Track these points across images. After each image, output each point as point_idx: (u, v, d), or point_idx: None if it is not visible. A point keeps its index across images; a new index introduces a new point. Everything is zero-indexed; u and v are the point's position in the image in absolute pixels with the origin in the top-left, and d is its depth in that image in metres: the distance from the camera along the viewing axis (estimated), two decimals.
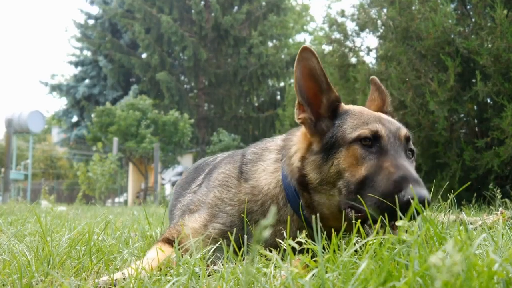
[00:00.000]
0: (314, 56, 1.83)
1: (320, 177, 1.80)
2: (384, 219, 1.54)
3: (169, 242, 1.94)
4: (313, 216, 1.58)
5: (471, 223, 2.67)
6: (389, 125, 1.84)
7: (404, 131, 1.86)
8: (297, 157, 1.90)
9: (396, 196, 1.55)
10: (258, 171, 2.02)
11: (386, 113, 2.12)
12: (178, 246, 1.83)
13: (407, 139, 1.85)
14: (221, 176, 2.09)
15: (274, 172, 1.98)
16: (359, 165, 1.73)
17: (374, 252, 1.30)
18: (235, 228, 1.90)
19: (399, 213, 1.47)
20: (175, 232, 1.98)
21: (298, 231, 1.72)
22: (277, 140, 2.14)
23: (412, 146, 1.89)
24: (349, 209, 1.72)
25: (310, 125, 1.90)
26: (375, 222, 1.54)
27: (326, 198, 1.80)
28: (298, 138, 1.98)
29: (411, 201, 1.47)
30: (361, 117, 1.85)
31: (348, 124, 1.83)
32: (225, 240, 1.83)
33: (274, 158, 2.04)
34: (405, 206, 1.53)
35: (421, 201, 1.51)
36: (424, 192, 1.56)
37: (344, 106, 1.93)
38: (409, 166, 1.69)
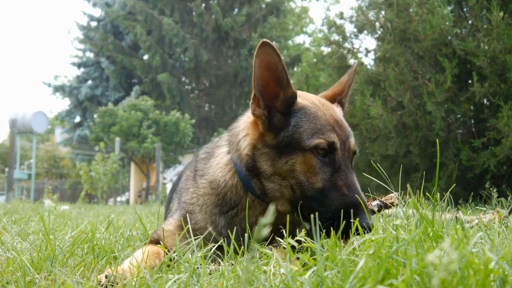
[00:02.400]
0: (274, 51, 1.83)
1: (273, 170, 1.87)
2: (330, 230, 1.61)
3: (155, 243, 2.00)
4: (311, 216, 1.57)
5: (467, 222, 2.68)
6: (342, 132, 1.89)
7: (351, 142, 1.92)
8: (246, 143, 1.94)
9: (346, 219, 1.69)
10: (212, 166, 2.08)
11: (340, 103, 2.13)
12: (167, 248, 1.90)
13: (354, 152, 1.94)
14: (183, 183, 2.20)
15: (228, 164, 2.03)
16: (314, 174, 1.82)
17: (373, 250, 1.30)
18: (209, 225, 1.97)
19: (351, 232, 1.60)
20: (156, 236, 2.06)
21: (260, 216, 1.87)
22: (224, 135, 2.18)
23: (356, 153, 1.96)
24: (307, 212, 1.80)
25: (264, 121, 1.91)
26: (327, 232, 1.67)
27: (278, 187, 1.88)
28: (246, 124, 2.00)
29: (359, 226, 1.60)
30: (316, 120, 1.87)
31: (305, 127, 1.85)
32: (225, 239, 1.83)
33: (225, 151, 2.08)
34: (355, 229, 1.63)
35: (366, 227, 1.66)
36: (367, 221, 1.69)
37: (299, 101, 1.92)
38: (357, 185, 1.83)
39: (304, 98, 1.96)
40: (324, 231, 1.64)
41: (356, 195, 1.76)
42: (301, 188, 1.83)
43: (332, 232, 1.49)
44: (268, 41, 1.82)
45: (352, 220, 1.65)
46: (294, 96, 1.90)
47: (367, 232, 1.64)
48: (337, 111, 2.01)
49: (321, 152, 1.81)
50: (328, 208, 1.76)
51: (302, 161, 1.82)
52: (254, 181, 1.92)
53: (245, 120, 2.03)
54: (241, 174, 1.95)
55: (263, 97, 1.90)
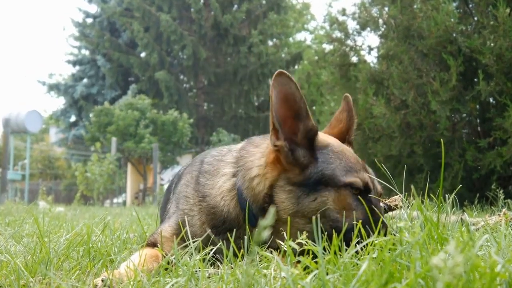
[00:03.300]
0: (291, 81, 1.78)
1: (296, 209, 1.79)
2: None
3: (152, 246, 2.00)
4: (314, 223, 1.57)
5: (473, 224, 2.68)
6: (371, 176, 1.89)
7: (378, 185, 1.91)
8: (264, 183, 1.87)
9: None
10: (215, 189, 2.01)
11: (349, 143, 2.11)
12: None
13: (381, 195, 1.92)
14: (183, 188, 2.15)
15: (231, 190, 1.96)
16: (350, 211, 1.77)
17: (376, 253, 1.30)
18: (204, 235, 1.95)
19: None
20: (153, 240, 2.05)
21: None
22: (234, 152, 2.10)
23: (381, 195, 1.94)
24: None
25: (287, 153, 1.84)
26: None
27: (293, 230, 1.76)
28: (260, 160, 1.94)
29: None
30: (347, 158, 1.86)
31: (336, 164, 1.82)
32: (224, 242, 1.83)
33: (230, 173, 2.01)
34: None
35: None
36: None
37: (322, 138, 1.91)
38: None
39: (326, 136, 1.97)
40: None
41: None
42: (336, 226, 1.75)
43: (334, 235, 1.49)
44: (283, 71, 1.78)
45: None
46: (314, 130, 1.86)
47: None
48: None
49: (355, 192, 1.79)
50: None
51: (337, 197, 1.78)
52: (261, 218, 1.84)
53: (263, 154, 1.96)
54: (243, 203, 1.91)
55: (282, 129, 1.85)
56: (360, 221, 1.67)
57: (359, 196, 1.79)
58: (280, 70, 1.80)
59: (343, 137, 2.12)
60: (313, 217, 1.50)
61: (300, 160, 1.84)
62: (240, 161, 2.00)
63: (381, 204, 1.92)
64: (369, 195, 1.81)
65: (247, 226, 1.86)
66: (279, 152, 1.85)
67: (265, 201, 1.86)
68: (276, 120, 1.84)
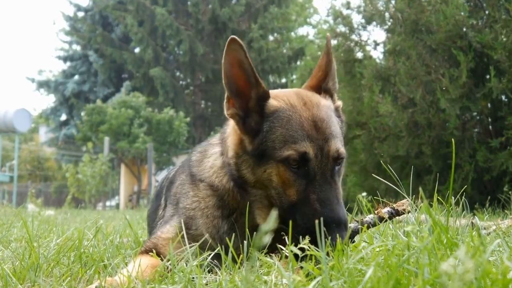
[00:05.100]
0: (241, 49, 1.86)
1: (255, 178, 1.91)
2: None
3: (149, 252, 2.00)
4: (316, 221, 1.57)
5: (484, 228, 2.68)
6: (319, 137, 1.85)
7: (333, 147, 1.86)
8: (231, 153, 1.99)
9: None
10: (207, 169, 2.13)
11: (326, 91, 2.08)
12: (161, 257, 1.90)
13: (335, 159, 1.88)
14: (179, 188, 2.22)
15: (223, 167, 2.07)
16: (290, 186, 1.84)
17: (382, 259, 1.31)
18: (211, 229, 2.01)
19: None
20: (151, 244, 2.04)
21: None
22: (219, 134, 2.23)
23: (342, 158, 1.91)
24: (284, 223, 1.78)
25: (239, 121, 1.95)
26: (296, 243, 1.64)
27: (260, 196, 1.92)
28: (230, 131, 2.06)
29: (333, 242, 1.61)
30: (289, 126, 1.86)
31: (277, 134, 1.86)
32: (223, 246, 1.83)
33: (219, 152, 2.12)
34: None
35: (333, 245, 1.65)
36: (343, 235, 1.71)
37: (272, 103, 1.93)
38: (332, 199, 1.80)
39: (280, 98, 1.95)
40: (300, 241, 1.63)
41: (328, 211, 1.75)
42: (279, 199, 1.86)
43: (339, 240, 1.49)
44: (235, 37, 1.87)
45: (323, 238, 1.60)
46: (266, 95, 1.93)
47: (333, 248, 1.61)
48: (322, 107, 1.94)
49: (294, 164, 1.82)
50: (301, 223, 1.78)
51: (276, 172, 1.85)
52: (240, 190, 1.97)
53: (230, 127, 2.08)
54: (233, 179, 2.00)
55: (235, 95, 1.94)
56: (295, 199, 1.80)
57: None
58: (233, 36, 1.87)
59: (320, 86, 2.10)
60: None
61: (251, 127, 1.92)
62: (224, 141, 2.11)
63: (332, 165, 1.87)
64: (310, 164, 1.81)
65: (246, 225, 1.87)
66: (233, 120, 1.97)
67: (234, 171, 1.96)
68: (228, 87, 1.93)
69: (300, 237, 1.63)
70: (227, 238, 1.90)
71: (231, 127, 2.06)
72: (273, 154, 1.85)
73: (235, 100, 1.94)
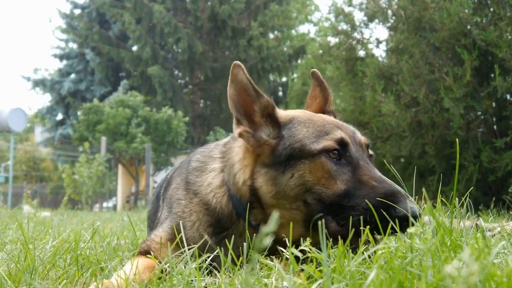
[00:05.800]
0: (244, 72, 1.92)
1: (275, 190, 1.86)
2: (370, 232, 1.60)
3: (145, 254, 2.02)
4: (319, 222, 1.57)
5: (489, 230, 2.68)
6: (346, 130, 1.94)
7: (360, 136, 1.97)
8: (244, 175, 1.96)
9: (387, 211, 1.67)
10: (205, 185, 2.10)
11: (328, 113, 2.21)
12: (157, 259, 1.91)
13: (367, 146, 1.97)
14: (173, 192, 2.22)
15: (221, 186, 2.05)
16: (332, 178, 1.81)
17: (384, 261, 1.30)
18: (203, 235, 2.01)
19: (397, 227, 1.60)
20: (145, 246, 2.07)
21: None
22: (220, 146, 2.21)
23: (370, 152, 2.00)
24: (328, 221, 1.78)
25: (249, 137, 1.95)
26: (358, 234, 1.63)
27: (285, 211, 1.86)
28: (239, 154, 2.03)
29: (407, 214, 1.62)
30: (314, 123, 1.92)
31: (304, 134, 1.89)
32: (222, 249, 1.84)
33: (219, 169, 2.11)
34: (401, 221, 1.64)
35: (414, 216, 1.65)
36: (415, 207, 1.69)
37: (284, 113, 2.00)
38: (384, 177, 1.82)
39: (290, 111, 2.05)
40: (356, 230, 1.63)
41: (387, 185, 1.76)
42: (319, 198, 1.81)
43: (340, 241, 1.49)
44: (238, 62, 1.93)
45: (394, 209, 1.65)
46: (270, 104, 1.97)
47: (416, 219, 1.64)
48: (333, 119, 2.08)
49: (333, 155, 1.83)
50: (359, 206, 1.73)
51: (313, 168, 1.82)
52: (253, 211, 1.93)
53: (240, 147, 2.05)
54: (235, 200, 1.98)
55: (243, 116, 1.97)
56: (344, 187, 1.77)
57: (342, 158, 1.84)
58: (236, 62, 1.93)
59: (323, 111, 2.23)
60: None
61: (263, 140, 1.93)
62: (226, 156, 2.11)
63: (370, 152, 1.97)
64: (350, 150, 1.85)
65: (247, 232, 1.88)
66: (243, 139, 1.97)
67: (251, 193, 1.93)
68: (236, 109, 1.96)
69: (361, 218, 1.66)
70: (226, 240, 1.90)
71: (239, 149, 2.04)
72: (305, 151, 1.84)
73: (243, 119, 1.97)
